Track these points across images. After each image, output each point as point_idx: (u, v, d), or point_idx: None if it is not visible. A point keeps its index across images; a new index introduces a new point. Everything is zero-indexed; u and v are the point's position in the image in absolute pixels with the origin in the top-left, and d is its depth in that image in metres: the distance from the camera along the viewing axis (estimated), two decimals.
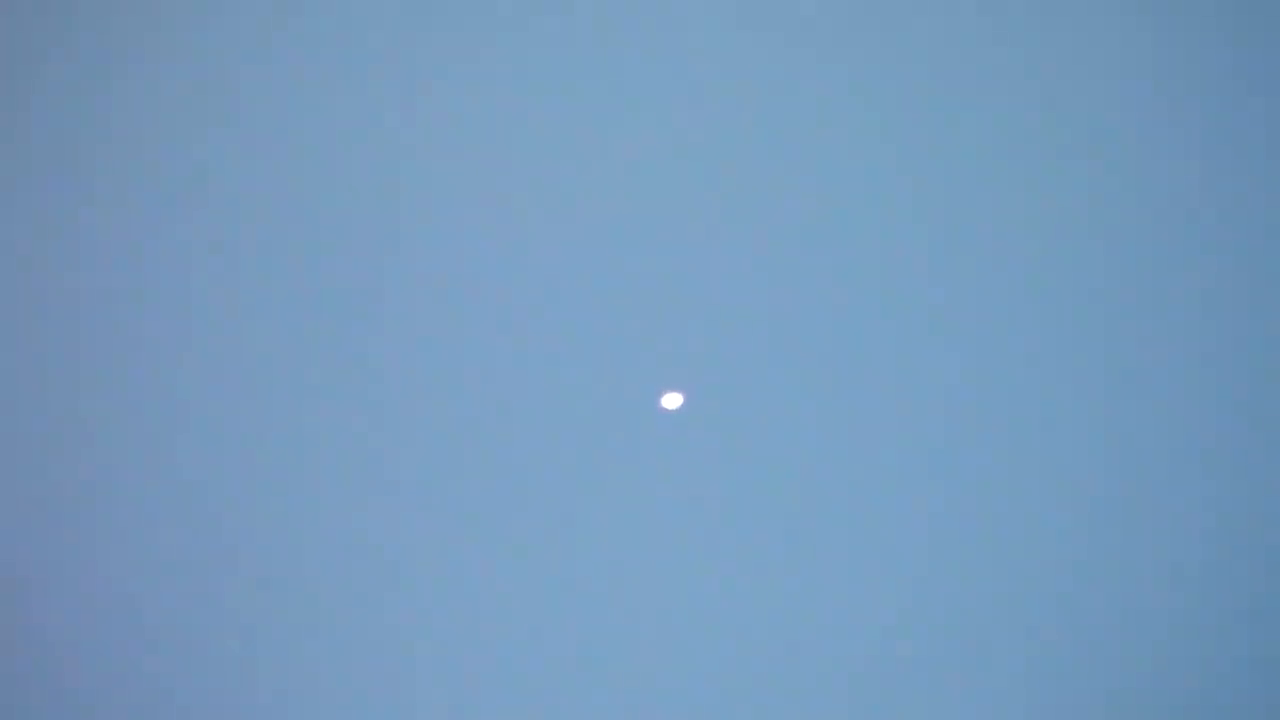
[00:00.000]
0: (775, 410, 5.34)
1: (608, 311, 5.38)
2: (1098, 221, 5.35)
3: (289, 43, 5.56)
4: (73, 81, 5.60)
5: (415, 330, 5.46)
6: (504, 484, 5.38)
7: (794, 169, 5.44)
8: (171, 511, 5.43)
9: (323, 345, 5.48)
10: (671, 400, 5.12)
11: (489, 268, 5.45)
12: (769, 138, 5.44)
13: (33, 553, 5.43)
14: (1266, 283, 5.28)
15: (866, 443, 5.33)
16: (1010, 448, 5.30)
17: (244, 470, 5.44)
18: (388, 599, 5.37)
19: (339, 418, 5.45)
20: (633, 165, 5.46)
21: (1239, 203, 5.31)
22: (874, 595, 5.28)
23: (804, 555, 5.31)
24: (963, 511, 5.29)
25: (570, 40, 5.51)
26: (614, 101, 5.50)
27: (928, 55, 5.40)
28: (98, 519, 5.44)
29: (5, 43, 5.60)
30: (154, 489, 5.44)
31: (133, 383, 5.48)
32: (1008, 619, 5.25)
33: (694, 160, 5.45)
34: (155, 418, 5.46)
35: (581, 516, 5.35)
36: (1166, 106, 5.36)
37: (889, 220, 5.40)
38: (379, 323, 5.47)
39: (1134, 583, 5.23)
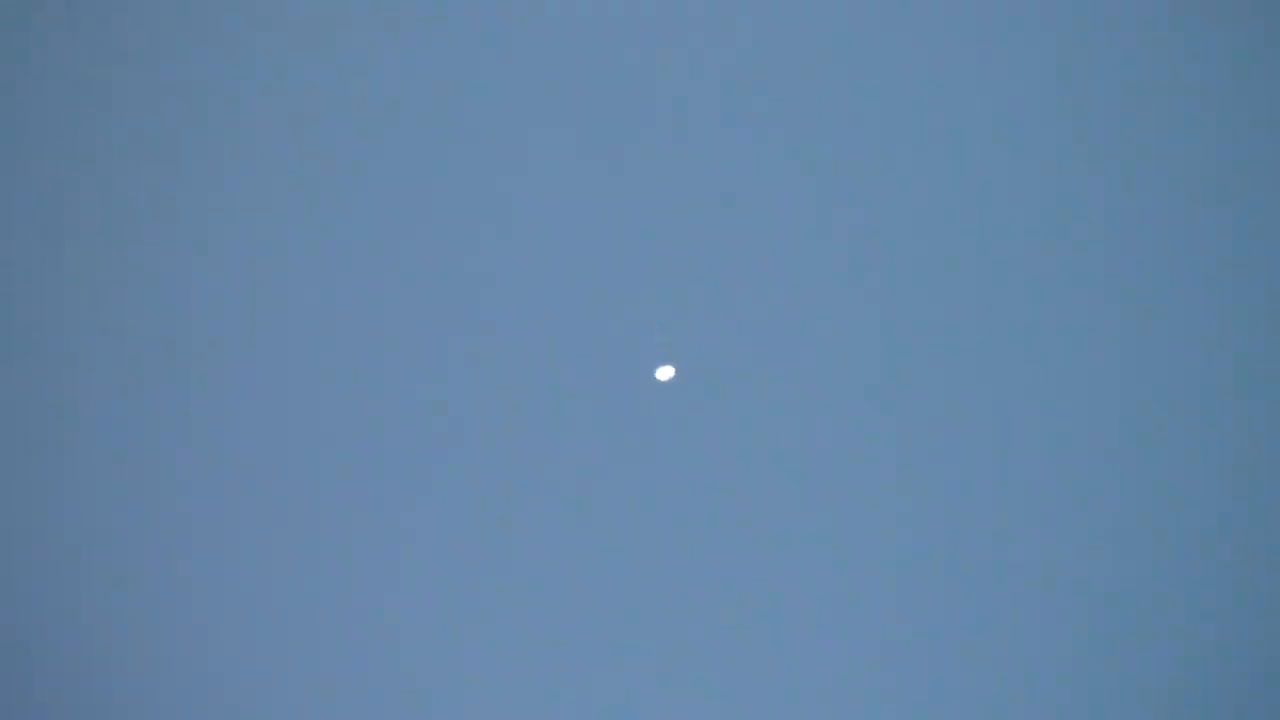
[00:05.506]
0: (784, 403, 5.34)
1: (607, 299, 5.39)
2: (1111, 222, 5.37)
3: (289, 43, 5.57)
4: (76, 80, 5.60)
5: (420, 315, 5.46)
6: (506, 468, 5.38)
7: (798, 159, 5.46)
8: (170, 513, 5.42)
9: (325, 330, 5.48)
10: (664, 372, 5.10)
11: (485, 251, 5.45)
12: (776, 133, 5.46)
13: (32, 553, 5.42)
14: (1266, 283, 5.29)
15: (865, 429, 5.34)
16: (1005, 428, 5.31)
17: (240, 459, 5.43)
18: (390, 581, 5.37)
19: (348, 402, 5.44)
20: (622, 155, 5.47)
21: (1241, 203, 5.33)
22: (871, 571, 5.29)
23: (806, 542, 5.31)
24: (955, 508, 5.30)
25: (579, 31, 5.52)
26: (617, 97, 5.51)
27: (932, 56, 5.42)
28: (97, 519, 5.43)
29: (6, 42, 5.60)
30: (153, 489, 5.43)
31: (130, 384, 5.47)
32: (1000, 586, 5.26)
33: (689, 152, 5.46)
34: (153, 418, 5.46)
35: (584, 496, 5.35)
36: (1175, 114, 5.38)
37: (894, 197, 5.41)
38: (384, 315, 5.47)
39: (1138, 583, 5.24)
